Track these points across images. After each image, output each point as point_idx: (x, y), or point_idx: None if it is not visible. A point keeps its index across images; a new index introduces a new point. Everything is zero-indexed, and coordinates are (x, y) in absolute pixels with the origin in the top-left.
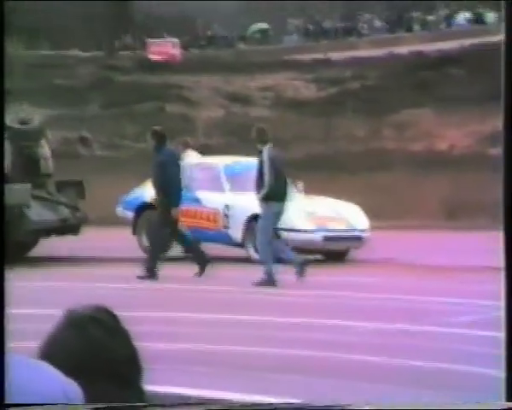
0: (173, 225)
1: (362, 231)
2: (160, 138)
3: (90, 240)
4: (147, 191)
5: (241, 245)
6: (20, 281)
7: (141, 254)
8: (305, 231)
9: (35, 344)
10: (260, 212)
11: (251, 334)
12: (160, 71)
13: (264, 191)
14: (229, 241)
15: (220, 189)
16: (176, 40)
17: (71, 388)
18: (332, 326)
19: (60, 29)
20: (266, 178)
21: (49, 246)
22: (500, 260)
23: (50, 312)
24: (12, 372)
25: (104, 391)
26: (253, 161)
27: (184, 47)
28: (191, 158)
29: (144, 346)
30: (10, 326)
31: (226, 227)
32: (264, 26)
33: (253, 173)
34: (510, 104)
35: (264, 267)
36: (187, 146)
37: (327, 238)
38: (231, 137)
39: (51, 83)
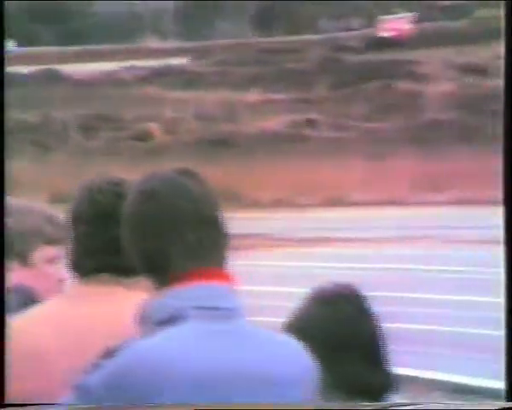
0: None
1: None
2: None
3: (318, 220)
4: None
5: None
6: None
7: None
8: None
9: (277, 319)
10: None
11: None
12: (389, 48)
13: None
14: None
15: None
16: (409, 15)
17: (314, 365)
18: None
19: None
20: None
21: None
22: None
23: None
24: (259, 347)
25: (352, 369)
26: None
27: (417, 21)
28: None
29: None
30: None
31: None
32: None
33: None
34: (510, 104)
35: None
36: None
37: None
38: (463, 110)
39: (283, 67)
